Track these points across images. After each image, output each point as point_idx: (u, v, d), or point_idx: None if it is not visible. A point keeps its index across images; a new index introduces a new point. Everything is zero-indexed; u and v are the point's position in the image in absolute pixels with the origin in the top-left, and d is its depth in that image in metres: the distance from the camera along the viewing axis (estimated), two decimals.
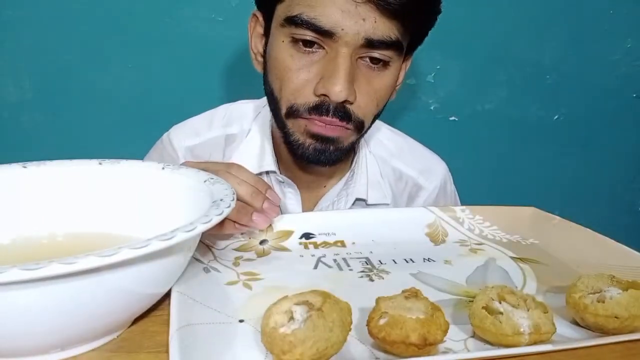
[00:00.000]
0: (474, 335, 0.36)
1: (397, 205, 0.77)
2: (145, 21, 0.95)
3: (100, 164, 0.47)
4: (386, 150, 0.79)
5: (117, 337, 0.35)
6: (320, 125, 0.61)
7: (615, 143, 1.24)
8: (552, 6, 1.11)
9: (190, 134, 0.76)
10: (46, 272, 0.26)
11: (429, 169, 0.81)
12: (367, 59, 0.60)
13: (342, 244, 0.53)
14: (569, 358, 0.34)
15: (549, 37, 1.13)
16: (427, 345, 0.32)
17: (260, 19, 0.66)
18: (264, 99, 0.72)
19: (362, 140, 0.76)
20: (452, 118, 1.15)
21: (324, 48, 0.59)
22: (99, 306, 0.31)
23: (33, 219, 0.44)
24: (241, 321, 0.37)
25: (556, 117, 1.20)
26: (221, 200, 0.38)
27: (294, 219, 0.55)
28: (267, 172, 0.72)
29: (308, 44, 0.59)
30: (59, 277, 0.27)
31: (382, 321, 0.33)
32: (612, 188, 1.27)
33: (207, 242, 0.50)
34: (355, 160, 0.76)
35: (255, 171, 0.70)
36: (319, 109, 0.60)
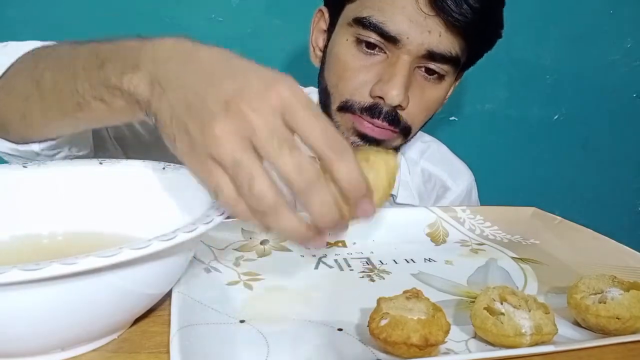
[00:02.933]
0: (475, 336, 0.36)
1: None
2: (145, 21, 0.95)
3: (100, 163, 0.47)
4: (416, 152, 0.82)
5: (118, 337, 0.35)
6: (368, 127, 0.62)
7: (615, 143, 1.24)
8: (552, 6, 1.11)
9: None
10: (47, 272, 0.26)
11: (457, 172, 0.83)
12: (424, 69, 0.62)
13: (343, 244, 0.53)
14: (570, 359, 0.34)
15: (549, 37, 1.13)
16: (429, 346, 0.32)
17: (326, 15, 0.68)
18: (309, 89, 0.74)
19: None
20: (452, 118, 1.15)
21: (385, 52, 0.61)
22: (99, 306, 0.31)
23: (33, 219, 0.44)
24: (242, 321, 0.37)
25: (556, 117, 1.20)
26: None
27: None
28: None
29: (371, 46, 0.61)
30: (60, 277, 0.27)
31: (383, 322, 0.33)
32: (612, 188, 1.27)
33: (208, 242, 0.50)
34: None
35: None
36: (372, 110, 0.61)
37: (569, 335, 0.37)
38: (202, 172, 0.32)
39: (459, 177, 0.82)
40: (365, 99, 0.62)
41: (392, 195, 0.75)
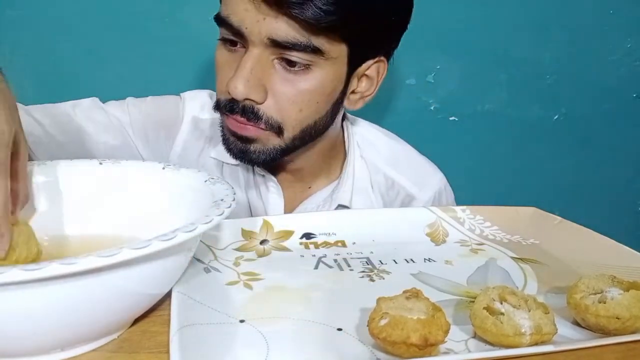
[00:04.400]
0: (475, 336, 0.36)
1: None
2: (145, 21, 0.95)
3: (100, 163, 0.47)
4: (380, 157, 0.78)
5: (118, 337, 0.35)
6: (233, 124, 0.62)
7: (615, 143, 1.24)
8: (552, 6, 1.11)
9: (199, 107, 0.76)
10: (46, 272, 0.26)
11: (424, 179, 0.78)
12: (284, 62, 0.59)
13: (343, 244, 0.53)
14: (570, 359, 0.34)
15: (549, 37, 1.13)
16: (428, 345, 0.32)
17: None
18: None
19: (354, 145, 0.76)
20: (452, 118, 1.15)
21: (244, 47, 0.60)
22: (99, 306, 0.31)
23: (33, 218, 0.44)
24: (242, 321, 0.37)
25: (556, 117, 1.20)
26: (222, 200, 0.38)
27: (295, 219, 0.55)
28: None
29: (231, 43, 0.61)
30: (60, 277, 0.27)
31: (383, 322, 0.33)
32: (612, 188, 1.27)
33: (208, 242, 0.50)
34: (344, 166, 0.75)
35: (238, 162, 0.70)
36: (231, 106, 0.61)
37: (568, 335, 0.37)
38: None
39: (426, 185, 0.78)
40: (226, 96, 0.61)
41: (345, 207, 0.72)
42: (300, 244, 0.53)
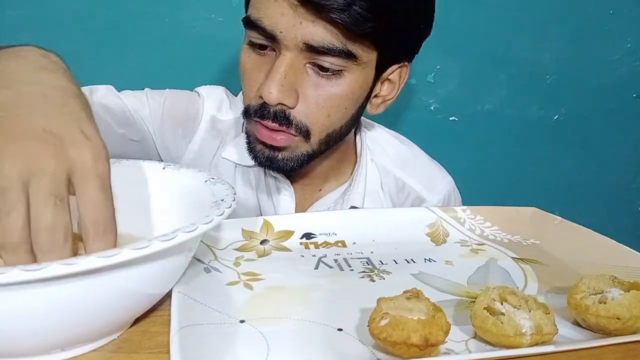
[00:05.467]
0: (475, 336, 0.36)
1: None
2: (145, 21, 0.95)
3: None
4: (389, 160, 0.78)
5: (118, 337, 0.35)
6: (262, 133, 0.61)
7: (615, 143, 1.24)
8: (552, 6, 1.11)
9: (217, 106, 0.76)
10: (47, 273, 0.26)
11: (433, 182, 0.79)
12: (317, 66, 0.59)
13: (343, 244, 0.53)
14: (570, 359, 0.34)
15: (549, 37, 1.13)
16: (429, 346, 0.32)
17: None
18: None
19: (365, 148, 0.76)
20: (452, 118, 1.15)
21: (274, 50, 0.59)
22: (99, 307, 0.31)
23: None
24: (242, 321, 0.37)
25: (556, 117, 1.20)
26: (222, 200, 0.38)
27: (295, 219, 0.55)
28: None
29: (262, 46, 0.60)
30: (60, 278, 0.27)
31: (383, 322, 0.33)
32: (612, 188, 1.27)
33: (208, 242, 0.50)
34: (355, 168, 0.75)
35: (250, 164, 0.69)
36: (262, 111, 0.60)
37: (569, 336, 0.37)
38: None
39: (435, 187, 0.78)
40: (257, 101, 0.60)
41: (357, 208, 0.72)
42: (301, 244, 0.53)
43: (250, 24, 0.59)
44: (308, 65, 0.59)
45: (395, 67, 0.65)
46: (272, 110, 0.59)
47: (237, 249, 0.50)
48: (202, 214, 0.35)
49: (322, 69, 0.59)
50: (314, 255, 0.50)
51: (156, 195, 0.45)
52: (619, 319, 0.35)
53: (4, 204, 0.29)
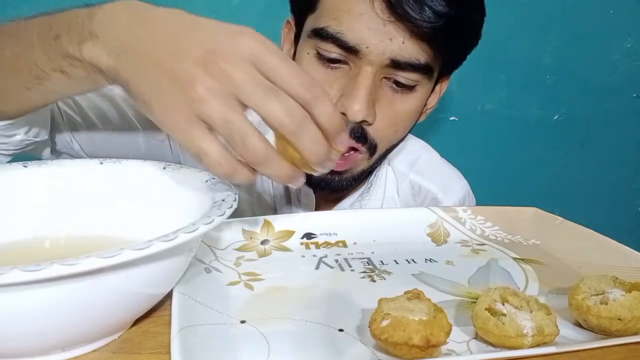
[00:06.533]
0: (476, 337, 0.36)
1: None
2: None
3: (101, 163, 0.47)
4: (405, 163, 0.77)
5: (118, 338, 0.35)
6: None
7: (615, 143, 1.24)
8: (552, 6, 1.11)
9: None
10: (47, 273, 0.26)
11: (449, 184, 0.78)
12: (392, 81, 0.58)
13: (344, 244, 0.53)
14: None
15: (549, 37, 1.13)
16: (430, 347, 0.32)
17: (293, 25, 0.65)
18: None
19: None
20: (452, 118, 1.15)
21: (348, 64, 0.57)
22: (100, 307, 0.31)
23: (33, 218, 0.44)
24: (243, 322, 0.37)
25: (556, 117, 1.20)
26: (223, 200, 0.38)
27: (295, 219, 0.55)
28: None
29: (333, 59, 0.58)
30: (61, 278, 0.27)
31: (384, 323, 0.33)
32: (612, 188, 1.27)
33: (209, 242, 0.50)
34: (374, 173, 0.74)
35: None
36: None
37: (570, 336, 0.37)
38: (184, 136, 0.33)
39: (451, 190, 0.78)
40: None
41: None
42: (301, 244, 0.53)
43: (326, 36, 0.56)
44: (384, 80, 0.58)
45: (444, 78, 0.66)
46: (349, 126, 0.57)
47: (237, 249, 0.50)
48: (203, 214, 0.35)
49: (398, 84, 0.58)
50: (314, 256, 0.50)
51: (157, 195, 0.45)
52: (620, 319, 0.35)
53: (237, 131, 0.31)
